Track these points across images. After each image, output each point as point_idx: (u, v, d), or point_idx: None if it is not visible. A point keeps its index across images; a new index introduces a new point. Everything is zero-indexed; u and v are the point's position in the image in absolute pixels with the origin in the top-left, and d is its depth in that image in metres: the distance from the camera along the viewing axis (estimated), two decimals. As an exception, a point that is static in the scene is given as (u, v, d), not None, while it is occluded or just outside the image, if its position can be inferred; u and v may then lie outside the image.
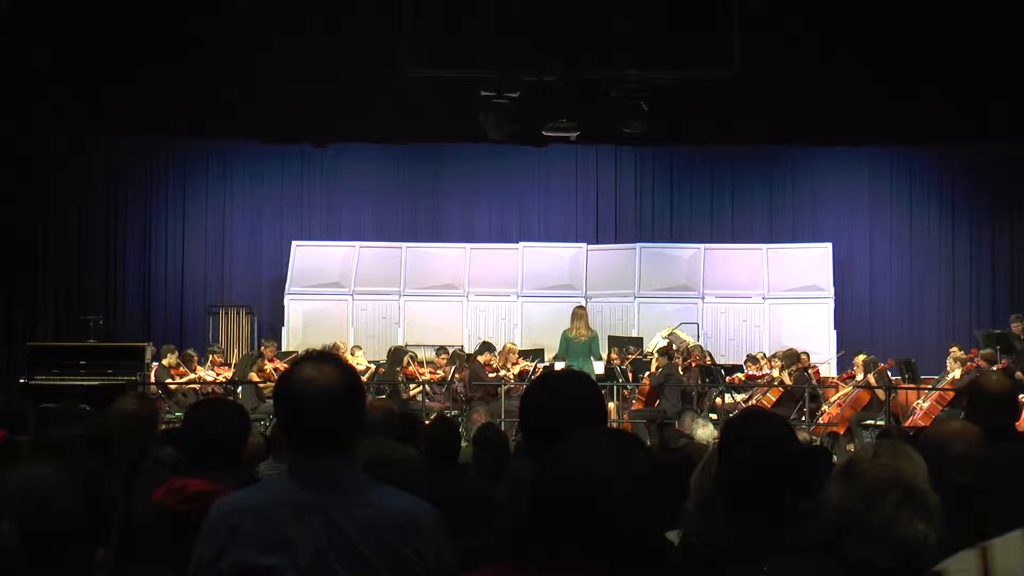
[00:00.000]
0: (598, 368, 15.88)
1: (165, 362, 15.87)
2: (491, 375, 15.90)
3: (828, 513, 2.86)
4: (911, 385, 15.63)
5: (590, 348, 16.04)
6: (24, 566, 1.80)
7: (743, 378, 16.44)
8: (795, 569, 2.94)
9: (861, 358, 15.84)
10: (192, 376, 15.93)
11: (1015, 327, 16.15)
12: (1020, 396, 11.62)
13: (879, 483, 2.83)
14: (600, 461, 2.31)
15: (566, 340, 16.09)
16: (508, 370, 16.07)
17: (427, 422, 7.45)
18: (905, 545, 2.78)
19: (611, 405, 14.78)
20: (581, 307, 16.72)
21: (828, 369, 17.52)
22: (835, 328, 18.50)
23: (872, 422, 14.66)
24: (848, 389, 15.61)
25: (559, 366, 15.28)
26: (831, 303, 18.61)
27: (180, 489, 3.99)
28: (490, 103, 15.03)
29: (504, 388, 15.51)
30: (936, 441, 3.96)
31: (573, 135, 15.83)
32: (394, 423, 5.75)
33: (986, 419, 4.26)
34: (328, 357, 2.94)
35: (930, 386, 15.44)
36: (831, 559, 2.84)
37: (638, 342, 17.37)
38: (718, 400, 15.71)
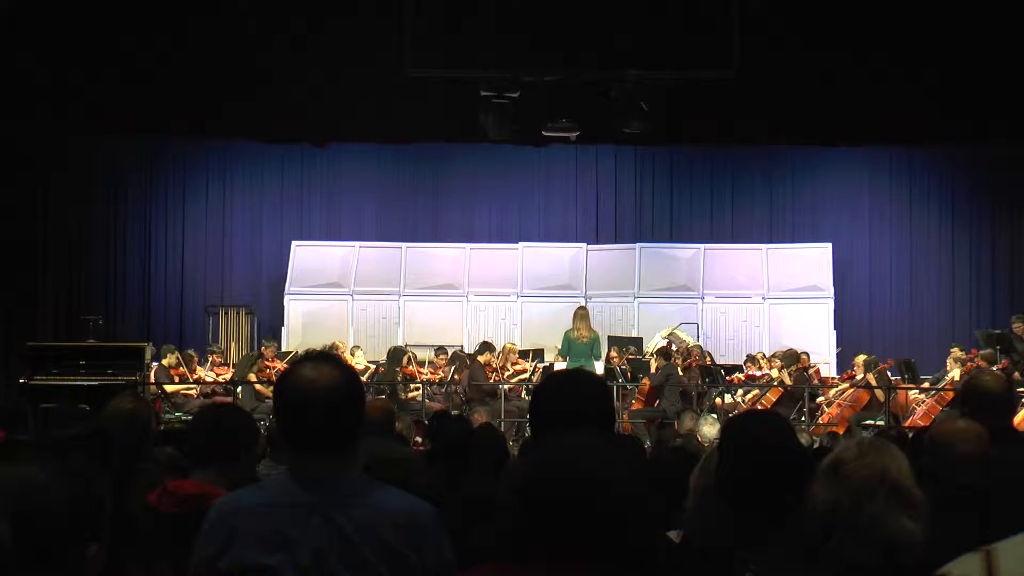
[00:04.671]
0: (597, 367, 15.86)
1: (165, 362, 15.86)
2: (491, 375, 15.91)
3: (815, 512, 2.86)
4: (911, 385, 15.64)
5: (592, 349, 16.02)
6: (17, 564, 1.80)
7: (743, 378, 16.44)
8: (781, 567, 2.94)
9: (861, 358, 15.85)
10: (190, 379, 15.91)
11: (1016, 327, 16.14)
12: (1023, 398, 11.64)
13: (866, 482, 2.83)
14: (584, 461, 2.32)
15: (568, 341, 16.07)
16: (508, 370, 16.09)
17: (426, 421, 7.46)
18: (893, 542, 2.78)
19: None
20: (583, 307, 16.64)
21: (828, 369, 17.52)
22: (835, 328, 18.50)
23: (872, 422, 14.66)
24: (846, 387, 15.63)
25: (559, 366, 15.27)
26: (831, 303, 18.60)
27: (174, 492, 4.00)
28: (490, 103, 15.02)
29: (504, 389, 15.52)
30: (941, 440, 3.96)
31: (573, 135, 15.82)
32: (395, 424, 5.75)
33: (984, 419, 4.25)
34: (328, 357, 2.94)
35: (930, 386, 15.45)
36: (817, 557, 2.84)
37: (638, 342, 17.36)
38: (718, 400, 15.71)
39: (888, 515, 2.80)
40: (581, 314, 16.23)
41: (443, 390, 16.04)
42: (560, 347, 16.25)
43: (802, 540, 2.90)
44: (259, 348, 16.98)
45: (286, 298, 18.71)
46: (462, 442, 5.96)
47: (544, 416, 3.24)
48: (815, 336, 18.10)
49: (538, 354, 16.94)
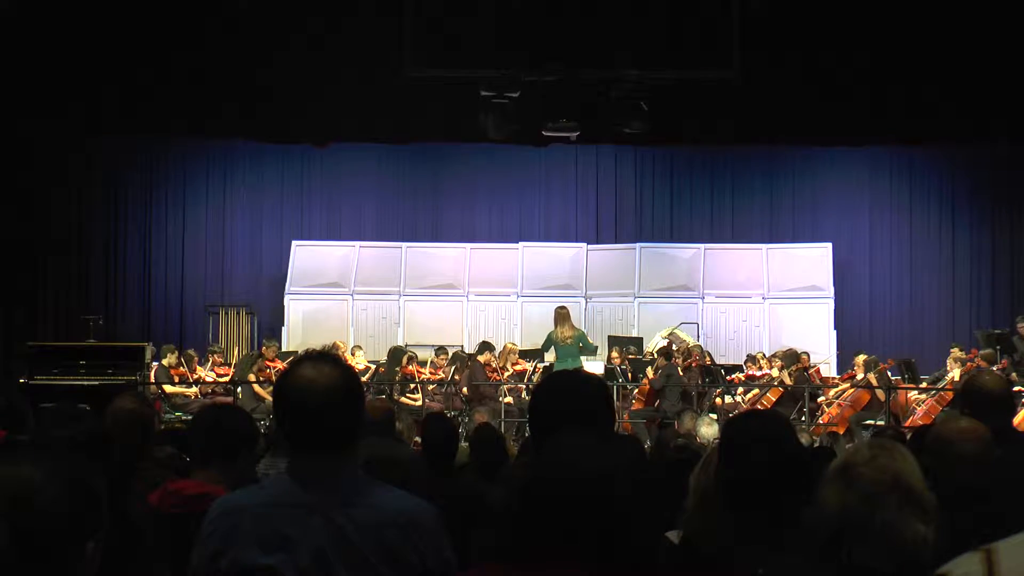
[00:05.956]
0: (597, 367, 15.83)
1: (165, 362, 15.86)
2: (491, 375, 15.91)
3: (826, 516, 2.85)
4: (911, 385, 15.63)
5: (579, 347, 15.97)
6: (16, 565, 1.80)
7: (743, 378, 16.44)
8: (789, 569, 2.94)
9: (861, 358, 15.85)
10: (190, 379, 15.91)
11: (1022, 327, 16.11)
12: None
13: (879, 486, 2.82)
14: (583, 461, 2.32)
15: (551, 341, 16.02)
16: (508, 370, 16.08)
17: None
18: (906, 547, 2.77)
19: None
20: (563, 307, 16.48)
21: (828, 369, 17.52)
22: (835, 328, 18.50)
23: (872, 422, 14.65)
24: (846, 386, 15.63)
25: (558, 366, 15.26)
26: (831, 303, 18.60)
27: (175, 492, 4.00)
28: (490, 103, 15.02)
29: (504, 389, 15.51)
30: (942, 439, 3.95)
31: (573, 135, 15.81)
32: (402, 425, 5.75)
33: (983, 419, 4.25)
34: (327, 357, 2.94)
35: (931, 387, 15.44)
36: (827, 561, 2.83)
37: (638, 342, 17.36)
38: (718, 400, 15.71)
39: (901, 520, 2.78)
40: (562, 314, 16.15)
41: (443, 390, 16.04)
42: (543, 344, 16.22)
43: (810, 542, 2.89)
44: (259, 348, 16.98)
45: (286, 298, 18.71)
46: (446, 443, 5.95)
47: (543, 416, 3.24)
48: (815, 336, 18.10)
49: (538, 354, 16.94)
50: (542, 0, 14.62)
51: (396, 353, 16.29)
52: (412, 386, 16.03)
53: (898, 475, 2.84)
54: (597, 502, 2.28)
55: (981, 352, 15.34)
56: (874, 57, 14.87)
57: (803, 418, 14.90)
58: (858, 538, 2.79)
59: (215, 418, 4.37)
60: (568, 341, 15.82)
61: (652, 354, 16.30)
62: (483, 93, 14.95)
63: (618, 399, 15.41)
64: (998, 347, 15.56)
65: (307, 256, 19.11)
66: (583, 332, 16.46)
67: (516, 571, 2.35)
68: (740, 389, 16.20)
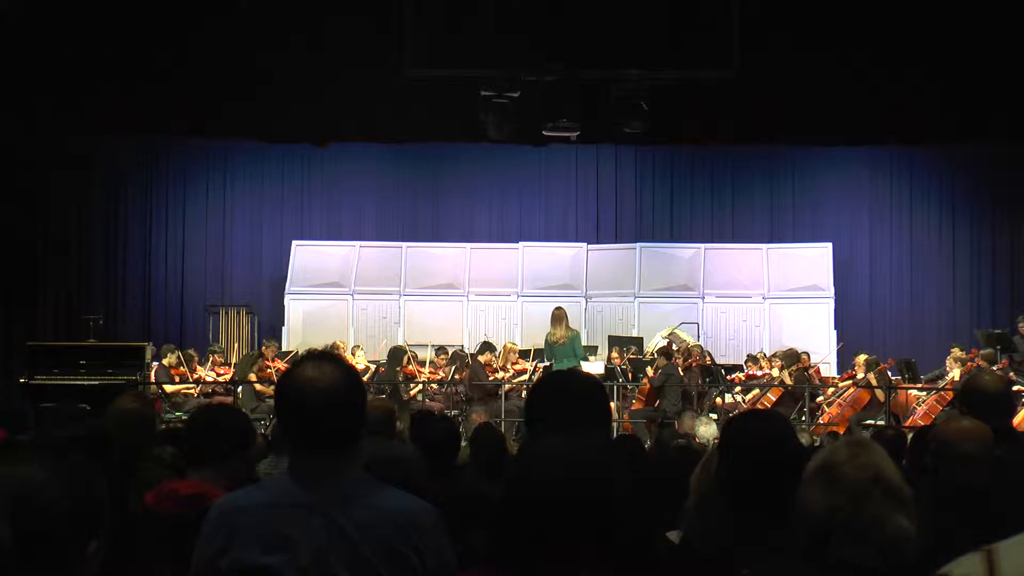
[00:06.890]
0: (597, 367, 15.82)
1: (165, 362, 15.86)
2: (491, 375, 15.90)
3: (812, 515, 2.85)
4: (911, 385, 15.64)
5: (573, 350, 15.93)
6: (17, 564, 1.80)
7: (743, 378, 16.44)
8: (776, 568, 2.94)
9: (862, 358, 15.85)
10: (190, 379, 15.91)
11: (1023, 327, 16.11)
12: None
13: (863, 483, 2.83)
14: (559, 464, 2.33)
15: (548, 345, 15.98)
16: (508, 370, 16.08)
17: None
18: (892, 542, 2.78)
19: (611, 405, 14.72)
20: (559, 308, 16.45)
21: (828, 369, 17.53)
22: (835, 328, 18.50)
23: (872, 422, 14.65)
24: (848, 383, 15.63)
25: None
26: (831, 303, 18.61)
27: (170, 493, 3.99)
28: (490, 103, 15.03)
29: (504, 388, 15.51)
30: (945, 439, 3.96)
31: (573, 135, 15.82)
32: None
33: (983, 419, 4.25)
34: (329, 357, 2.94)
35: (931, 387, 15.45)
36: (812, 560, 2.84)
37: (638, 342, 17.36)
38: (718, 400, 15.71)
39: (885, 515, 2.80)
40: (557, 315, 16.06)
41: (443, 390, 16.04)
42: (545, 353, 16.13)
43: (799, 542, 2.90)
44: (259, 348, 16.98)
45: (286, 298, 18.72)
46: (446, 442, 5.93)
47: (538, 416, 3.23)
48: (815, 336, 18.10)
49: (538, 354, 16.93)
50: (542, 0, 14.62)
51: (396, 353, 16.29)
52: (413, 386, 16.03)
53: (879, 471, 2.86)
54: (570, 502, 2.29)
55: (981, 352, 15.34)
56: (874, 57, 14.87)
57: (803, 418, 14.91)
58: (844, 535, 2.80)
59: (211, 418, 4.37)
60: (562, 342, 15.80)
61: (652, 354, 16.29)
62: (483, 93, 14.96)
63: (618, 399, 15.42)
64: (998, 347, 15.56)
65: (307, 256, 19.11)
66: (577, 333, 16.37)
67: (516, 572, 2.35)
68: (739, 389, 16.20)
